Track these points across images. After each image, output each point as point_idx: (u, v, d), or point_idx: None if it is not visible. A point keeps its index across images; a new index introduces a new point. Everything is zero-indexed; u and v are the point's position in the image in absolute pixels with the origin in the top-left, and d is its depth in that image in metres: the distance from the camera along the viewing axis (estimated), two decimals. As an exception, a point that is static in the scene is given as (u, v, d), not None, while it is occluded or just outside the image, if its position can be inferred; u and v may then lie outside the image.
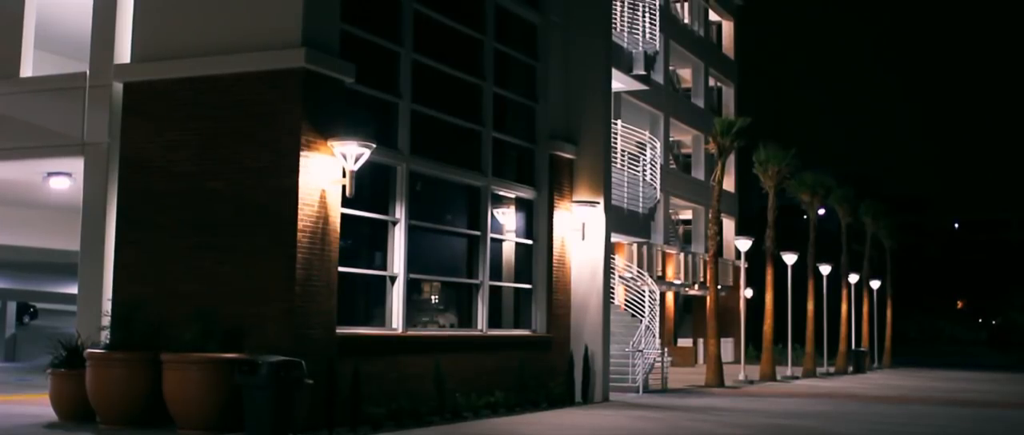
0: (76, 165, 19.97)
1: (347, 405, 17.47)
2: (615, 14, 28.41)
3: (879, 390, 34.91)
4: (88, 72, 19.67)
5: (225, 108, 18.05)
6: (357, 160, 17.88)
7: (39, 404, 18.97)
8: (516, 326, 24.35)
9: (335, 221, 18.02)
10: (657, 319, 31.29)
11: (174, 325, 17.22)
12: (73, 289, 20.28)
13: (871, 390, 34.75)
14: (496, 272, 23.73)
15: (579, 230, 25.39)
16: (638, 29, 30.11)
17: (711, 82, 55.39)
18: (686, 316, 53.89)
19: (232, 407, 16.13)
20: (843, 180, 53.17)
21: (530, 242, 24.81)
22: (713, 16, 56.54)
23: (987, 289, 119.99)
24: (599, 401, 24.95)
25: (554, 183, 25.08)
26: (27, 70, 20.82)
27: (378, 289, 20.26)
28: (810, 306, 45.70)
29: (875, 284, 58.05)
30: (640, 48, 30.02)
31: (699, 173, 52.10)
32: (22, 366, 31.73)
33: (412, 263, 20.62)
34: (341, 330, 18.26)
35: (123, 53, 19.31)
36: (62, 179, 21.67)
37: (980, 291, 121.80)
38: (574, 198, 25.57)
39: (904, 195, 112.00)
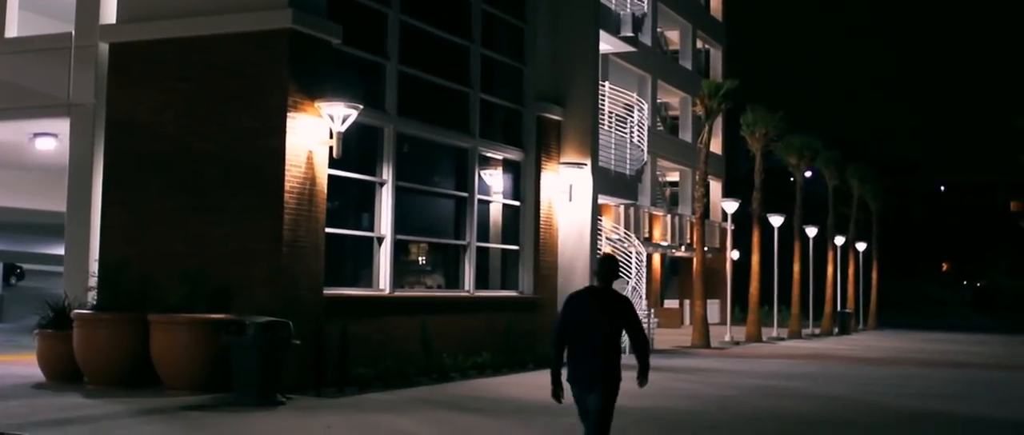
0: (62, 126, 19.91)
1: (335, 365, 17.52)
2: (603, -25, 28.30)
3: (864, 351, 35.10)
4: (73, 33, 19.58)
5: (211, 69, 18.00)
6: (344, 121, 17.85)
7: (27, 365, 18.98)
8: (503, 287, 24.40)
9: (322, 182, 18.01)
10: (644, 280, 31.38)
11: (161, 286, 17.23)
12: (60, 250, 20.26)
13: (857, 351, 34.94)
14: (483, 233, 23.75)
15: (566, 192, 25.41)
16: (626, -10, 30.02)
17: (699, 44, 55.27)
18: (672, 278, 54.04)
19: (220, 367, 16.16)
20: (830, 143, 53.20)
21: (517, 204, 24.83)
22: (701, -22, 56.34)
23: (972, 252, 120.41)
24: (586, 362, 24.98)
25: (541, 145, 25.07)
26: (12, 31, 20.73)
27: (365, 250, 20.28)
28: (796, 268, 45.84)
29: (861, 246, 58.24)
30: (628, 10, 29.94)
31: (686, 135, 52.09)
32: (9, 327, 31.72)
33: (399, 224, 20.63)
34: (328, 291, 18.29)
35: (109, 14, 19.21)
36: (48, 140, 21.61)
37: (965, 254, 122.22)
38: (561, 160, 25.58)
39: (891, 158, 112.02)
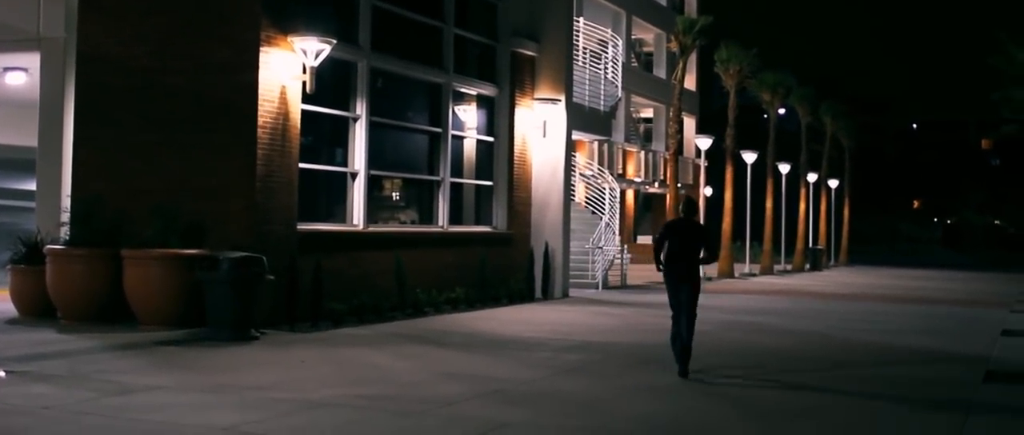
0: (32, 60, 19.76)
1: (308, 301, 17.57)
2: (578, -90, 28.09)
3: (836, 287, 35.38)
4: (43, -35, 19.37)
5: (184, 2, 17.85)
6: (317, 56, 17.77)
7: (-1, 300, 18.94)
8: (477, 223, 24.45)
9: (296, 117, 17.95)
10: (617, 216, 31.49)
11: (134, 221, 17.18)
12: (32, 185, 20.17)
13: (828, 287, 35.22)
14: (457, 169, 23.75)
15: (540, 128, 25.40)
16: (601, -75, 29.85)
17: (674, -20, 55.06)
18: (646, 214, 54.20)
19: (193, 303, 16.19)
20: (804, 81, 53.26)
21: (491, 139, 24.81)
22: (676, -87, 55.98)
23: (943, 189, 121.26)
24: (559, 297, 25.17)
25: (516, 80, 25.02)
26: (-20, -38, 20.46)
27: (339, 186, 20.25)
28: (769, 204, 46.06)
29: (833, 183, 58.54)
30: (603, -55, 29.80)
31: (661, 71, 52.02)
32: (-19, 263, 31.64)
33: (373, 160, 20.60)
34: (302, 226, 18.29)
35: (78, -55, 18.98)
36: (18, 74, 21.46)
37: (936, 191, 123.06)
38: (536, 95, 25.54)
39: (864, 96, 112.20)
